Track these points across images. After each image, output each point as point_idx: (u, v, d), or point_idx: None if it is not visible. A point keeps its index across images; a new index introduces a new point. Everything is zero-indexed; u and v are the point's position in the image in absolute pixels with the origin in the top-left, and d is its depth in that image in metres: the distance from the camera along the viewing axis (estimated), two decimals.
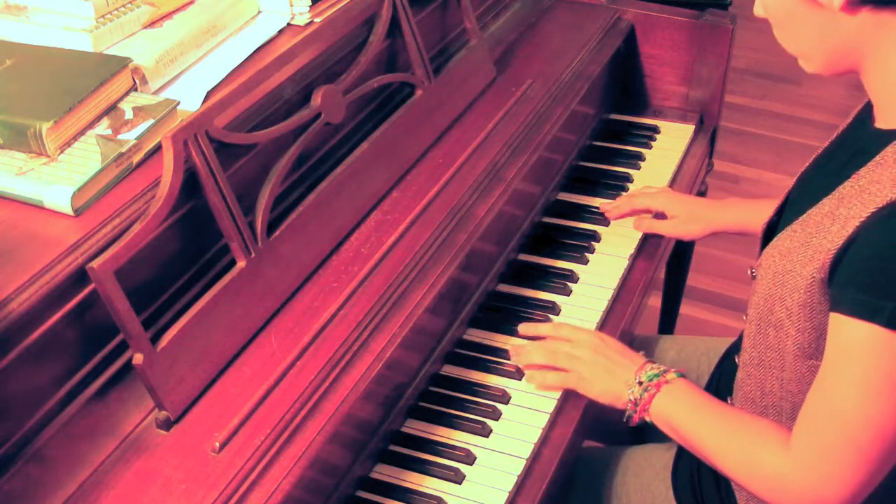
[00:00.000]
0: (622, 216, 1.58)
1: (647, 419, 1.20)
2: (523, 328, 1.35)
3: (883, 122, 1.05)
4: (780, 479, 1.07)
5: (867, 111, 1.10)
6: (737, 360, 1.26)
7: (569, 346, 1.27)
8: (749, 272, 1.21)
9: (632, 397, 1.20)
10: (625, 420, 1.22)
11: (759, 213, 1.44)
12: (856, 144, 1.09)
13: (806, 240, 1.05)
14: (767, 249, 1.13)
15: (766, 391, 1.17)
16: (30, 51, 1.23)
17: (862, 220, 0.98)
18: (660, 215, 1.56)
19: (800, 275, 1.05)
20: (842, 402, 1.00)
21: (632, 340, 1.61)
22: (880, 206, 0.96)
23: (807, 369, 1.10)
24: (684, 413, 1.17)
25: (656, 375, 1.20)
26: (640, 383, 1.20)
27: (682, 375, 1.21)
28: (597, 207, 1.61)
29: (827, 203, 1.05)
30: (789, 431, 1.09)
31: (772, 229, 1.24)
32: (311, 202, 1.21)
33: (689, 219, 1.53)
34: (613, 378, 1.23)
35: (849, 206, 1.00)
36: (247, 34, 1.40)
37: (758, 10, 1.09)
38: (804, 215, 1.08)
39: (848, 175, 1.03)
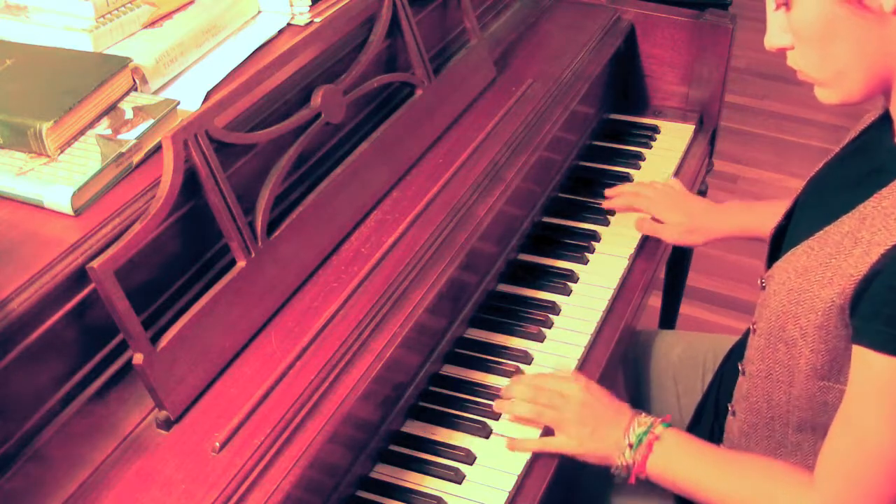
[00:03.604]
0: (619, 207, 1.58)
1: (643, 477, 1.16)
2: (506, 391, 1.26)
3: None
4: None
5: (885, 124, 1.07)
6: (739, 366, 1.25)
7: (554, 401, 1.20)
8: (759, 282, 1.19)
9: (623, 462, 1.16)
10: (616, 480, 1.18)
11: (760, 217, 1.42)
12: (875, 160, 1.07)
13: (825, 260, 1.03)
14: (780, 263, 1.12)
15: (772, 403, 1.16)
16: (30, 51, 1.23)
17: (887, 248, 0.96)
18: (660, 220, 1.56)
19: (818, 296, 1.03)
20: (870, 435, 0.98)
21: (635, 336, 1.61)
22: None
23: (818, 389, 1.09)
24: (684, 468, 1.14)
25: (645, 433, 1.16)
26: (631, 446, 1.16)
27: (668, 425, 1.17)
28: (597, 207, 1.61)
29: (847, 222, 1.03)
30: (803, 470, 1.08)
31: (780, 234, 1.23)
32: (312, 202, 1.21)
33: (690, 228, 1.52)
34: (601, 441, 1.18)
35: (871, 231, 0.98)
36: (247, 34, 1.40)
37: (776, 41, 1.04)
38: (821, 232, 1.06)
39: (868, 192, 1.01)
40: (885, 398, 0.96)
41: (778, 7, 1.02)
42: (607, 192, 1.61)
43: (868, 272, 0.97)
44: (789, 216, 1.22)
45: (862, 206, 1.02)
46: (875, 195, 1.01)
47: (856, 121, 1.17)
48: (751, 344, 1.20)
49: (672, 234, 1.54)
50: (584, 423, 1.18)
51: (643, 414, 1.19)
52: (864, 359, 0.98)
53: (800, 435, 1.16)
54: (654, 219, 1.55)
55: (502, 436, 1.22)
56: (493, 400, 1.26)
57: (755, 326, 1.19)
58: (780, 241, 1.20)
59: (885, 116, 1.07)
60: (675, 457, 1.14)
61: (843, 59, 0.99)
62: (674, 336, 1.61)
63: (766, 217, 1.36)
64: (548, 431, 1.22)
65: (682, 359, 1.56)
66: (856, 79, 1.00)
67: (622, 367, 1.60)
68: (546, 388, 1.23)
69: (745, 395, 1.21)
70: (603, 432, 1.18)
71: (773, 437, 1.19)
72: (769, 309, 1.12)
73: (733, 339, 1.44)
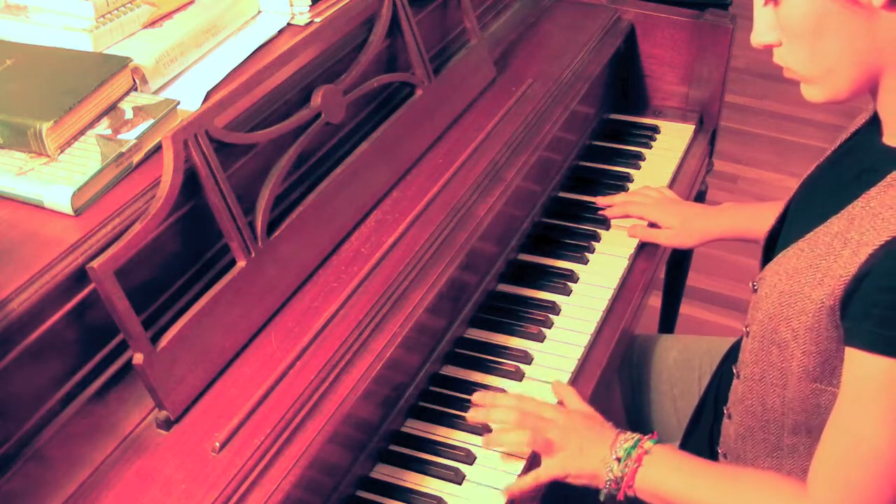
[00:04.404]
0: (615, 217, 1.58)
1: (632, 494, 1.14)
2: (478, 398, 1.23)
3: (892, 138, 1.02)
4: None
5: (874, 124, 1.07)
6: (734, 369, 1.24)
7: (538, 425, 1.17)
8: (751, 285, 1.19)
9: (611, 476, 1.13)
10: (602, 499, 1.15)
11: (755, 219, 1.42)
12: (864, 160, 1.07)
13: (815, 261, 1.03)
14: (771, 265, 1.11)
15: (767, 406, 1.16)
16: (30, 51, 1.23)
17: (875, 248, 0.96)
18: (655, 223, 1.56)
19: (808, 298, 1.03)
20: (866, 438, 0.97)
21: (633, 340, 1.61)
22: (894, 234, 0.94)
23: (810, 391, 1.09)
24: (677, 482, 1.12)
25: (632, 447, 1.14)
26: (619, 459, 1.13)
27: (657, 441, 1.15)
28: (598, 207, 1.61)
29: (836, 223, 1.03)
30: (797, 479, 1.07)
31: (774, 237, 1.23)
32: (312, 202, 1.21)
33: (683, 230, 1.52)
34: (588, 458, 1.15)
35: (860, 231, 0.98)
36: (247, 34, 1.40)
37: (763, 37, 1.03)
38: (811, 233, 1.06)
39: (856, 193, 1.01)
40: (879, 400, 0.96)
41: (767, 3, 1.01)
42: (599, 202, 1.61)
43: (857, 272, 0.97)
44: (783, 218, 1.22)
45: (850, 206, 1.01)
46: (863, 195, 1.01)
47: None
48: (744, 347, 1.20)
49: (667, 237, 1.54)
50: (568, 442, 1.16)
51: (628, 431, 1.17)
52: (855, 360, 0.98)
53: (795, 438, 1.15)
54: (649, 224, 1.55)
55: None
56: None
57: (748, 329, 1.18)
58: (774, 244, 1.19)
59: (876, 117, 1.07)
60: (666, 470, 1.13)
61: (832, 55, 0.98)
62: (669, 340, 1.61)
63: (759, 218, 1.35)
64: (534, 459, 1.19)
65: (678, 362, 1.55)
66: (844, 75, 1.00)
67: (618, 373, 1.60)
68: (529, 413, 1.19)
69: (740, 399, 1.21)
70: (589, 450, 1.15)
71: (769, 440, 1.19)
72: (761, 311, 1.12)
73: (729, 342, 1.44)
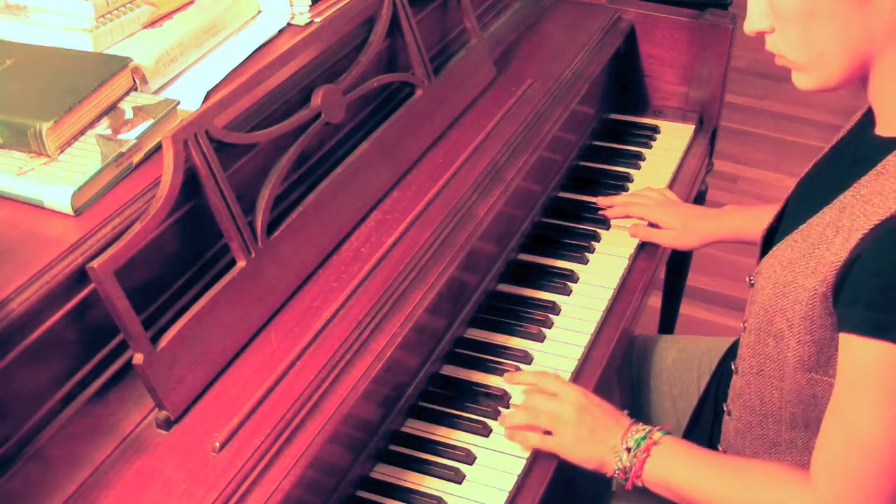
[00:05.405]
0: (616, 217, 1.59)
1: (640, 485, 1.15)
2: (506, 378, 1.28)
3: (884, 129, 1.03)
4: None
5: (868, 118, 1.08)
6: (733, 365, 1.25)
7: (551, 404, 1.19)
8: (747, 280, 1.19)
9: (620, 466, 1.14)
10: (614, 488, 1.17)
11: (756, 221, 1.42)
12: (856, 152, 1.07)
13: (808, 251, 1.04)
14: (767, 258, 1.12)
15: (765, 400, 1.17)
16: (30, 51, 1.23)
17: (865, 232, 0.96)
18: (656, 223, 1.56)
19: (802, 287, 1.04)
20: (863, 426, 0.97)
21: (632, 340, 1.61)
22: (884, 217, 0.95)
23: (806, 382, 1.09)
24: (683, 473, 1.13)
25: (642, 438, 1.15)
26: (629, 450, 1.14)
27: (666, 433, 1.16)
28: (598, 207, 1.61)
29: (828, 213, 1.03)
30: (803, 470, 1.07)
31: (771, 235, 1.23)
32: (312, 202, 1.21)
33: (685, 231, 1.52)
34: (598, 444, 1.16)
35: (851, 218, 0.99)
36: (247, 34, 1.40)
37: (756, 24, 1.04)
38: (805, 224, 1.07)
39: (849, 184, 1.02)
40: (873, 386, 0.96)
41: None
42: (600, 202, 1.61)
43: (848, 258, 0.98)
44: (780, 216, 1.22)
45: (842, 196, 1.02)
46: (854, 184, 1.01)
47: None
48: (742, 342, 1.21)
49: (668, 237, 1.54)
50: (581, 426, 1.17)
51: (641, 423, 1.18)
52: (849, 346, 0.98)
53: (793, 432, 1.16)
54: (649, 224, 1.55)
55: (503, 436, 1.22)
56: (493, 400, 1.26)
57: (746, 324, 1.19)
58: (772, 241, 1.20)
59: (870, 111, 1.08)
60: (675, 462, 1.14)
61: (824, 40, 0.99)
62: (668, 340, 1.61)
63: (761, 220, 1.36)
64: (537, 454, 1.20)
65: (677, 362, 1.56)
66: (835, 61, 1.00)
67: (618, 373, 1.60)
68: (546, 390, 1.22)
69: (738, 394, 1.21)
70: (600, 436, 1.17)
71: (768, 435, 1.19)
72: (757, 304, 1.13)
73: (728, 341, 1.44)
